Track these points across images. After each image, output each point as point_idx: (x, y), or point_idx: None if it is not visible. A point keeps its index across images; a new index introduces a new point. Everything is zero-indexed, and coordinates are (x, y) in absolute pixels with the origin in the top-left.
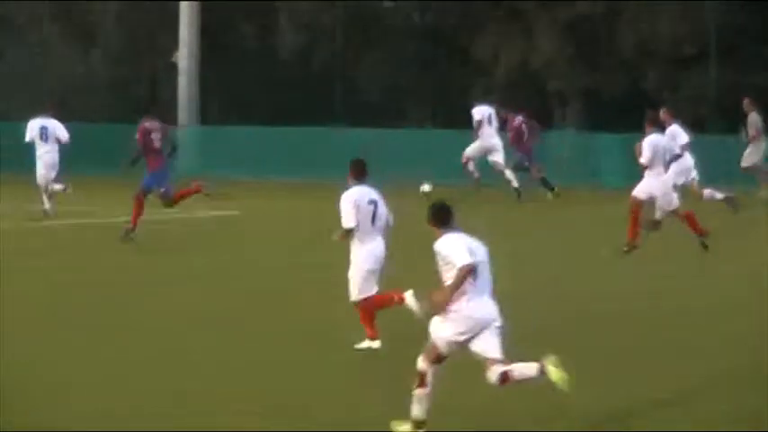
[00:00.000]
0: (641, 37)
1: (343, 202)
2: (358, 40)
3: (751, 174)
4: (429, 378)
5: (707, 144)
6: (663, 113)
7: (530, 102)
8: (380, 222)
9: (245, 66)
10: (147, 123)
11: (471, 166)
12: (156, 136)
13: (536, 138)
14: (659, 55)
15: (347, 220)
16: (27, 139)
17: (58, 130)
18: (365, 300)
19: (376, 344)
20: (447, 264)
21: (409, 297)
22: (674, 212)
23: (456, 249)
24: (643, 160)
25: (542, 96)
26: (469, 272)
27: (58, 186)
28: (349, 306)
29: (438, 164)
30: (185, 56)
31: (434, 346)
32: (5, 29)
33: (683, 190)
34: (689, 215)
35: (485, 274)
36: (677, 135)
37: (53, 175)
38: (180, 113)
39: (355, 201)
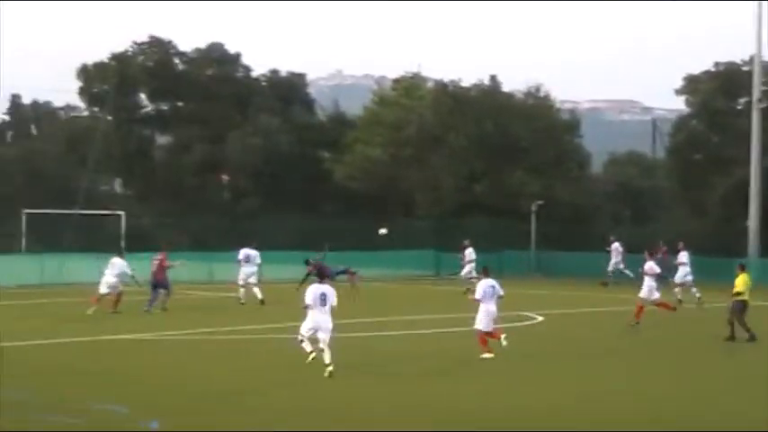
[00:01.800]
0: None
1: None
2: None
3: None
4: (307, 343)
5: None
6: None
7: None
8: (328, 304)
9: None
10: None
11: None
12: None
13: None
14: None
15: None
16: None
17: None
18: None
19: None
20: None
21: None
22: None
23: (309, 292)
24: None
25: None
26: (307, 306)
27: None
28: None
29: None
30: None
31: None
32: None
33: None
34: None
35: (327, 303)
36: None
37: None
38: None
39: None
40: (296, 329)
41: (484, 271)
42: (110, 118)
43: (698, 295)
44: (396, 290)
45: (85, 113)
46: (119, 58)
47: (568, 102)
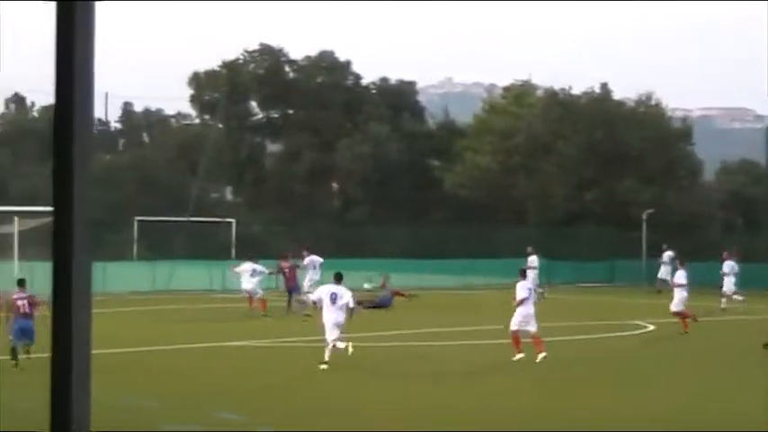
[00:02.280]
0: None
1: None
2: None
3: None
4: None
5: None
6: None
7: None
8: (339, 303)
9: None
10: None
11: None
12: None
13: None
14: None
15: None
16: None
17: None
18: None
19: None
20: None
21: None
22: None
23: (319, 290)
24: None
25: None
26: (319, 301)
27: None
28: None
29: None
30: None
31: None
32: None
33: None
34: None
35: (337, 302)
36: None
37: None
38: None
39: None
40: (413, 337)
41: (521, 273)
42: (220, 126)
43: (740, 298)
44: (496, 297)
45: (196, 121)
46: (230, 66)
47: (680, 110)
